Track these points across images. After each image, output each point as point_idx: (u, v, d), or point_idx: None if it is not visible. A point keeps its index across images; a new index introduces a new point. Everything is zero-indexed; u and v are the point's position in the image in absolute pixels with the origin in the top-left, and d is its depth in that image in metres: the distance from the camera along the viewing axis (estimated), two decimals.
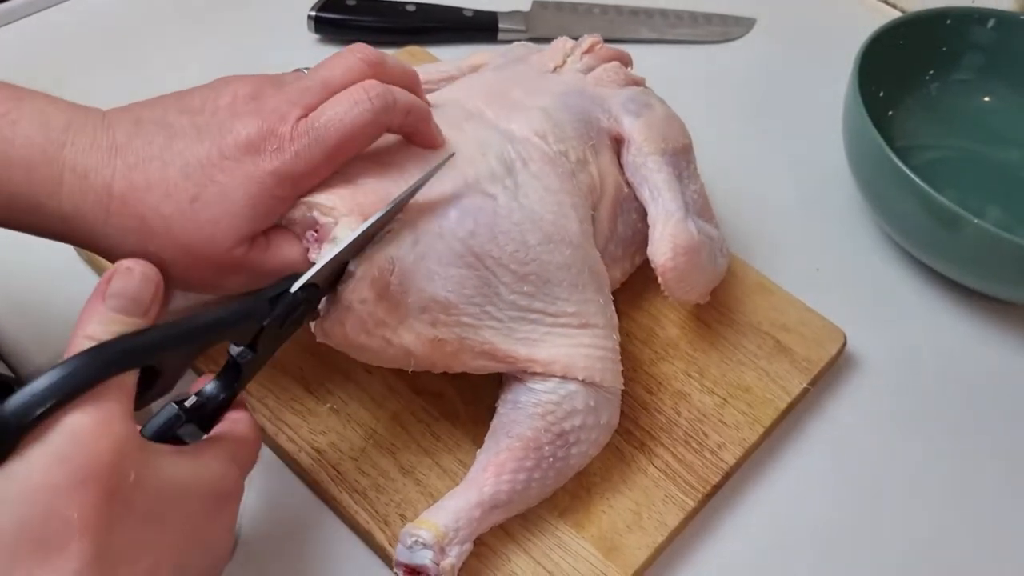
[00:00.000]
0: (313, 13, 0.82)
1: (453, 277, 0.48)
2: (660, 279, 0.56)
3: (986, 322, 0.68)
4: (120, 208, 0.44)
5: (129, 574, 0.36)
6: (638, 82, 0.63)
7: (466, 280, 0.48)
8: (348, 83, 0.47)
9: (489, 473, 0.49)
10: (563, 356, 0.50)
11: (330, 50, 0.82)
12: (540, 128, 0.55)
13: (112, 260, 0.45)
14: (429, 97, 0.56)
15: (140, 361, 0.38)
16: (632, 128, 0.58)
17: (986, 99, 0.79)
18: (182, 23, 0.85)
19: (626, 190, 0.58)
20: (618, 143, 0.59)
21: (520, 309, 0.50)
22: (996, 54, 0.77)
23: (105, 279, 0.39)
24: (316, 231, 0.47)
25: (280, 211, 0.46)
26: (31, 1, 0.84)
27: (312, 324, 0.47)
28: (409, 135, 0.50)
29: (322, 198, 0.47)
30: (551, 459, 0.50)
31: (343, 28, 0.83)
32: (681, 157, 0.59)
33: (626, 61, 0.64)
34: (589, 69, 0.62)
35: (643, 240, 0.58)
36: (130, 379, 0.37)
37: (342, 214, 0.46)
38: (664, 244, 0.55)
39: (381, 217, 0.46)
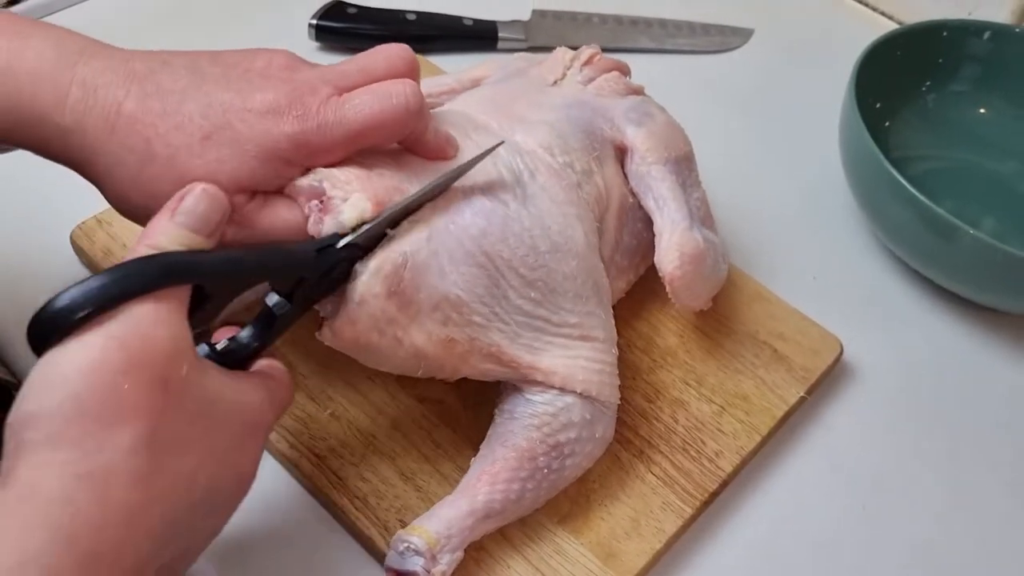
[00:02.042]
0: (314, 21, 0.83)
1: (464, 275, 0.48)
2: (668, 287, 0.56)
3: (982, 332, 0.68)
4: (127, 127, 0.44)
5: (175, 468, 0.37)
6: (637, 91, 0.64)
7: (477, 279, 0.49)
8: (387, 76, 0.48)
9: (483, 482, 0.50)
10: (562, 367, 0.51)
11: (331, 58, 0.83)
12: (545, 141, 0.55)
13: (103, 186, 0.46)
14: (434, 112, 0.56)
15: (196, 276, 0.39)
16: (635, 138, 0.58)
17: (982, 111, 0.79)
18: (181, 31, 0.85)
19: (631, 200, 0.59)
20: (622, 153, 0.59)
21: (526, 315, 0.50)
22: (992, 66, 0.78)
23: (177, 198, 0.40)
24: (321, 202, 0.46)
25: (285, 177, 0.46)
26: (28, 9, 0.84)
27: (318, 332, 0.47)
28: (425, 152, 0.50)
29: (337, 172, 0.46)
30: (545, 470, 0.50)
31: (344, 36, 0.84)
32: (683, 165, 0.60)
33: (625, 71, 0.65)
34: (589, 80, 0.62)
35: (647, 249, 0.58)
36: (185, 292, 0.39)
37: (355, 190, 0.46)
38: (671, 253, 0.56)
39: (411, 201, 0.47)
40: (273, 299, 0.45)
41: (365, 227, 0.45)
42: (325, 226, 0.46)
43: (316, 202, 0.46)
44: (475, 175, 0.51)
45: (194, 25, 0.86)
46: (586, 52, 0.64)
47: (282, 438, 0.55)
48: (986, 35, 0.77)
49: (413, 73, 0.49)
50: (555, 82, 0.61)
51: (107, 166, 0.45)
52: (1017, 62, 0.77)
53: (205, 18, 0.87)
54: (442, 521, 0.49)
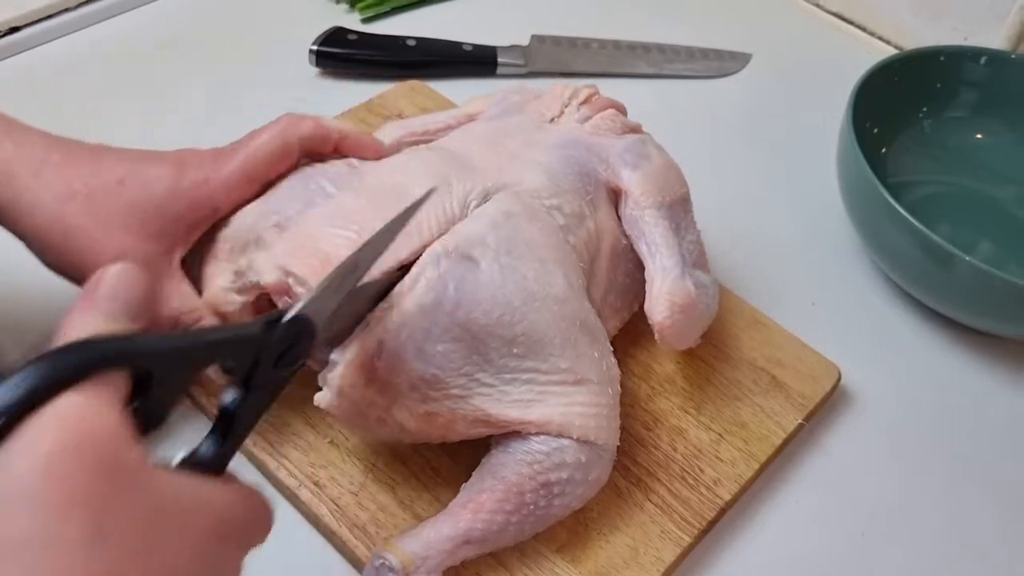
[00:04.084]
0: (315, 47, 0.83)
1: (440, 352, 0.48)
2: (657, 336, 0.56)
3: (979, 357, 0.68)
4: (52, 172, 0.49)
5: (140, 569, 0.32)
6: (635, 129, 0.64)
7: (453, 352, 0.49)
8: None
9: (468, 509, 0.50)
10: (558, 416, 0.50)
11: (331, 84, 0.84)
12: (535, 183, 0.55)
13: (24, 229, 0.49)
14: (424, 148, 0.57)
15: (127, 359, 0.35)
16: (630, 181, 0.58)
17: (979, 136, 0.80)
18: (185, 57, 0.86)
19: (624, 242, 0.59)
20: (616, 195, 0.59)
21: (512, 371, 0.50)
22: (988, 92, 0.78)
23: (93, 283, 0.37)
24: (289, 298, 0.49)
25: (190, 218, 0.52)
26: (32, 35, 0.85)
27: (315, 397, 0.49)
28: (351, 150, 0.57)
29: (297, 267, 0.48)
30: (531, 506, 0.50)
31: (344, 62, 0.84)
32: (678, 208, 0.59)
33: (621, 109, 0.65)
34: (586, 119, 0.62)
35: (641, 287, 0.58)
36: (120, 379, 0.34)
37: (312, 288, 0.46)
38: (661, 303, 0.55)
39: (346, 267, 0.45)
40: (226, 397, 0.41)
41: (304, 300, 0.43)
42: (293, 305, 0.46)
43: (286, 298, 0.49)
44: (445, 236, 0.51)
45: (195, 52, 0.86)
46: (584, 91, 0.64)
47: (281, 466, 0.55)
48: (983, 61, 0.78)
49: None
50: (552, 119, 0.62)
51: (29, 206, 0.48)
52: (1014, 87, 0.77)
53: (207, 45, 0.87)
54: (420, 542, 0.49)
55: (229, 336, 0.41)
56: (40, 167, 0.49)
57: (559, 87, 0.64)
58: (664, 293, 0.55)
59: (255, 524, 0.39)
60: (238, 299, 0.53)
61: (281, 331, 0.42)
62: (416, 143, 0.65)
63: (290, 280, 0.48)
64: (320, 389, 0.49)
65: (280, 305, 0.48)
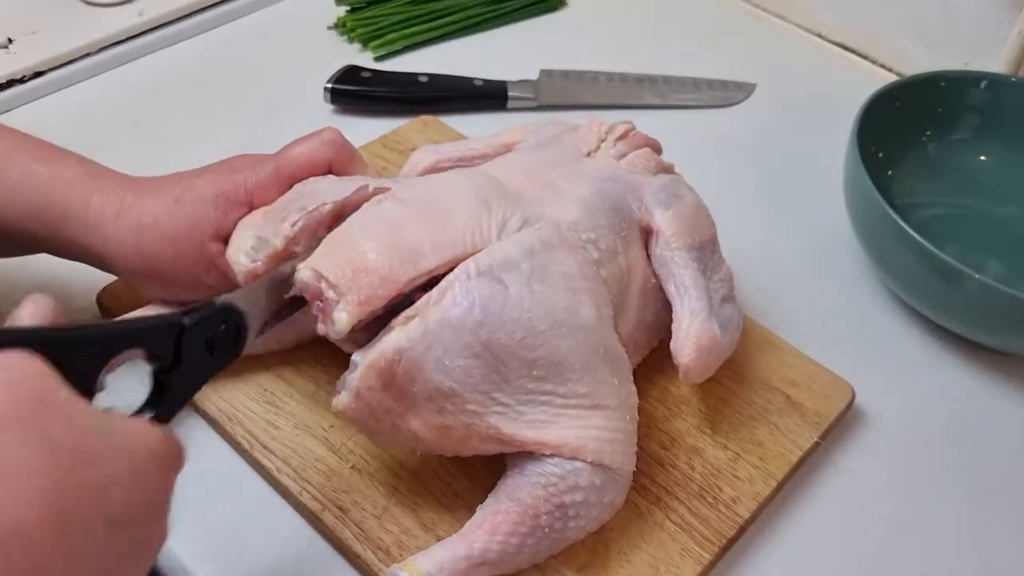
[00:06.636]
0: (329, 85, 0.85)
1: (460, 367, 0.49)
2: (681, 375, 0.57)
3: (990, 374, 0.69)
4: (126, 212, 0.57)
5: (82, 476, 0.35)
6: (668, 169, 0.64)
7: (473, 369, 0.49)
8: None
9: (483, 530, 0.50)
10: (573, 439, 0.51)
11: (346, 120, 0.85)
12: (574, 216, 0.56)
13: (114, 264, 0.58)
14: (465, 173, 0.59)
15: (26, 345, 0.37)
16: (662, 221, 0.59)
17: (982, 158, 0.81)
18: (201, 96, 0.88)
19: (653, 281, 0.59)
20: (647, 233, 0.60)
21: (529, 392, 0.51)
22: (990, 114, 0.80)
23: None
24: (322, 301, 0.50)
25: (237, 215, 0.57)
26: (56, 78, 0.87)
27: (333, 402, 0.51)
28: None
29: (330, 271, 0.49)
30: (547, 528, 0.51)
31: (358, 99, 0.86)
32: (707, 248, 0.60)
33: (656, 147, 0.65)
34: (622, 155, 0.63)
35: (664, 323, 0.59)
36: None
37: (342, 294, 0.49)
38: (688, 345, 0.56)
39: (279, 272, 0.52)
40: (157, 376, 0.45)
41: (234, 293, 0.48)
42: (330, 334, 0.50)
43: (319, 302, 0.50)
44: (479, 256, 0.51)
45: (213, 92, 0.88)
46: (620, 127, 0.65)
47: (304, 491, 0.56)
48: (983, 85, 0.79)
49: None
50: (589, 153, 0.62)
51: (115, 246, 0.57)
52: (1015, 110, 0.79)
53: (224, 85, 0.89)
54: (435, 561, 0.49)
55: (148, 324, 0.44)
56: (119, 210, 0.56)
57: (596, 122, 0.65)
58: (692, 336, 0.56)
59: (180, 464, 0.41)
60: (245, 261, 0.55)
61: (199, 318, 0.45)
62: (449, 169, 0.66)
63: (322, 284, 0.49)
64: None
65: (314, 310, 0.50)
